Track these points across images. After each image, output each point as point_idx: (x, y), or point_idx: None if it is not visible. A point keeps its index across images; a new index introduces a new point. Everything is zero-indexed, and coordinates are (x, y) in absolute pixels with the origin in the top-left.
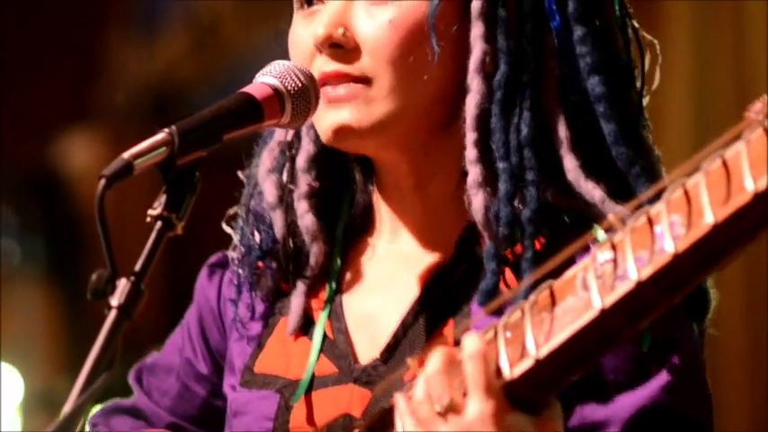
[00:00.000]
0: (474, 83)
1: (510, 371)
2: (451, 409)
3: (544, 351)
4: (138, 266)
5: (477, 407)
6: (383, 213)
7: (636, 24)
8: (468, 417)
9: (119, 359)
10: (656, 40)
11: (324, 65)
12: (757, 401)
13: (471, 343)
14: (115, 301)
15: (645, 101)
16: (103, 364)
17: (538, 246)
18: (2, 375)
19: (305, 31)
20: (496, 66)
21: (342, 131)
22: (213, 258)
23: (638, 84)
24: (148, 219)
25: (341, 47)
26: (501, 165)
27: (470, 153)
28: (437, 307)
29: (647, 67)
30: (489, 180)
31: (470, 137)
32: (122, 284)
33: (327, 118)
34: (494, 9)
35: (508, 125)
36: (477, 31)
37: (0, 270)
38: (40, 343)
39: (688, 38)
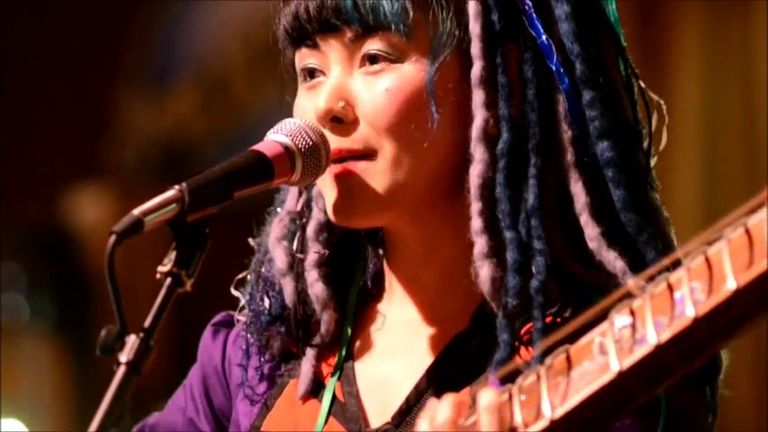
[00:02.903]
0: (477, 152)
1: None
2: None
3: (559, 412)
4: (147, 323)
5: None
6: (394, 280)
7: (642, 85)
8: None
9: (127, 415)
10: (666, 95)
11: (329, 142)
12: None
13: (487, 396)
14: (124, 357)
15: (653, 160)
16: (112, 420)
17: (559, 321)
18: (10, 431)
19: (308, 103)
20: (499, 133)
21: (350, 212)
22: (217, 318)
23: (646, 144)
24: (158, 275)
25: (341, 120)
26: (508, 234)
27: (476, 223)
28: (452, 375)
29: (654, 127)
30: (496, 250)
31: (475, 207)
32: (131, 341)
33: (334, 198)
34: (494, 75)
35: (514, 194)
36: (477, 98)
37: (8, 326)
38: (49, 399)
39: (698, 91)
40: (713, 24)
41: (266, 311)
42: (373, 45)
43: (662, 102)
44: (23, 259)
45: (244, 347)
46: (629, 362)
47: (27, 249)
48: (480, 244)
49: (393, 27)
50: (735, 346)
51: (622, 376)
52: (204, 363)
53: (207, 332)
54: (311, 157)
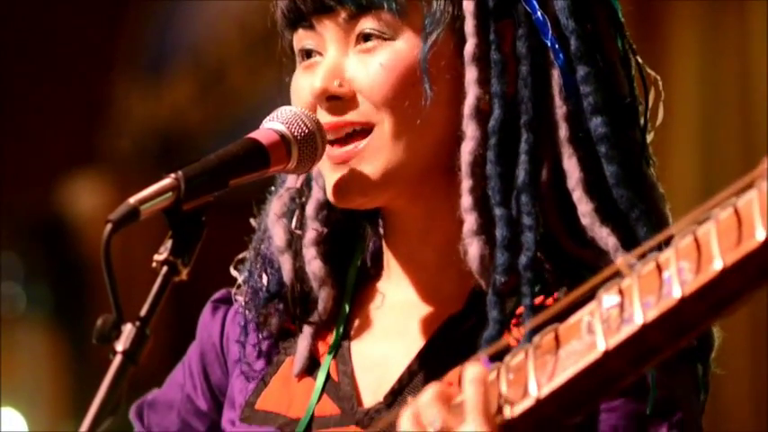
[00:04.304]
0: (469, 128)
1: (511, 409)
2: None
3: (545, 391)
4: (143, 311)
5: (476, 427)
6: (392, 260)
7: (640, 60)
8: None
9: (123, 404)
10: (664, 72)
11: (324, 117)
12: None
13: (473, 369)
14: (120, 346)
15: (650, 136)
16: (108, 408)
17: (551, 300)
18: (7, 420)
19: (305, 82)
20: (492, 110)
21: (347, 192)
22: (217, 294)
23: (642, 121)
24: (154, 264)
25: (338, 98)
26: (497, 211)
27: (465, 201)
28: (444, 356)
29: (651, 103)
30: (485, 227)
31: (466, 184)
32: (128, 329)
33: (333, 179)
34: (487, 53)
35: (504, 171)
36: (470, 75)
37: (5, 315)
38: (45, 388)
39: (695, 70)
40: (711, 8)
41: (264, 288)
42: (367, 24)
43: (659, 78)
44: (20, 248)
45: (242, 324)
46: (614, 341)
47: (24, 239)
48: (470, 221)
49: (386, 5)
50: (733, 327)
51: (608, 355)
52: (203, 339)
53: (206, 309)
54: (307, 144)
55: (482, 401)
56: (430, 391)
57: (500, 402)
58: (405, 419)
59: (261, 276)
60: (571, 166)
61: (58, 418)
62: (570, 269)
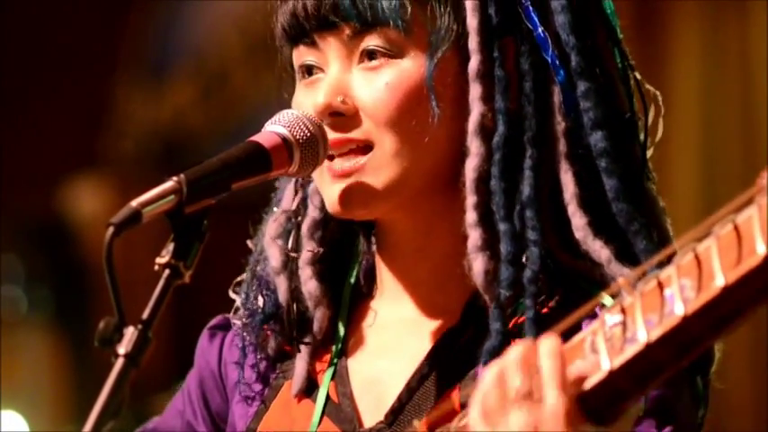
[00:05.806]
0: (473, 145)
1: None
2: (528, 396)
3: None
4: (145, 314)
5: (554, 399)
6: (386, 276)
7: (638, 76)
8: (545, 407)
9: (125, 407)
10: (665, 88)
11: (327, 133)
12: None
13: (548, 342)
14: (122, 349)
15: (650, 152)
16: (110, 411)
17: (546, 309)
18: (8, 422)
19: (306, 99)
20: (496, 126)
21: (348, 203)
22: (214, 321)
23: (642, 136)
24: (156, 267)
25: (341, 115)
26: (502, 226)
27: (470, 216)
28: (443, 371)
29: (650, 118)
30: (490, 243)
31: (470, 200)
32: (129, 332)
33: (334, 191)
34: (491, 69)
35: (509, 186)
36: (475, 92)
37: (6, 318)
38: (47, 391)
39: (696, 72)
40: (712, 16)
41: (260, 310)
42: (372, 41)
43: (658, 93)
44: (21, 251)
45: (240, 346)
46: (619, 360)
47: (25, 241)
48: (474, 237)
49: (391, 23)
50: (733, 340)
51: (613, 374)
52: (201, 366)
53: (203, 336)
54: (309, 148)
55: (560, 373)
56: (515, 354)
57: None
58: (488, 376)
59: (257, 298)
60: (567, 181)
61: (60, 421)
62: (563, 279)
